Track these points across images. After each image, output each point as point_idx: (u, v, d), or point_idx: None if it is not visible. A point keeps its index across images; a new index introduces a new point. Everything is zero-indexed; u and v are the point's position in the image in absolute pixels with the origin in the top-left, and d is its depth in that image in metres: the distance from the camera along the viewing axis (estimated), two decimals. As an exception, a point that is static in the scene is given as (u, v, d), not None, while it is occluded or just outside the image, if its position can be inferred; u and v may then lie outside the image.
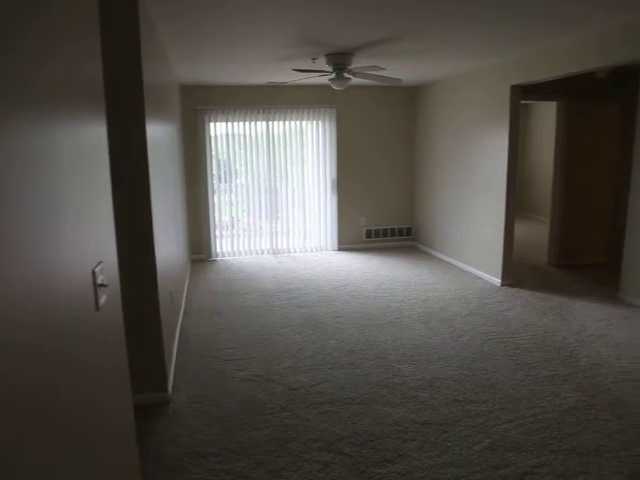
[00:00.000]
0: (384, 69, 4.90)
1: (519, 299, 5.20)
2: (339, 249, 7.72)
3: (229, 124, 7.16)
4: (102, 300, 1.44)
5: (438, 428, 2.92)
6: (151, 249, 3.06)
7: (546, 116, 9.42)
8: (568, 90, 6.12)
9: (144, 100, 2.89)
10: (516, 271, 6.04)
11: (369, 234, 7.86)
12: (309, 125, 7.48)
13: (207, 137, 7.11)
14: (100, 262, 1.45)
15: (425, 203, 7.60)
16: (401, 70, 5.89)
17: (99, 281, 1.41)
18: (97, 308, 1.40)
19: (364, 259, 7.12)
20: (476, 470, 2.55)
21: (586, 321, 4.55)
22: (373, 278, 6.08)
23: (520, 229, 9.13)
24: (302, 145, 7.50)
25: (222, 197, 7.48)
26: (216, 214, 7.38)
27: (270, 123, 7.29)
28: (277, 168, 7.42)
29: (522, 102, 5.60)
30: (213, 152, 7.21)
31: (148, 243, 3.05)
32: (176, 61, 5.18)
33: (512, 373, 3.57)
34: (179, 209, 5.47)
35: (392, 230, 7.94)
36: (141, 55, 2.84)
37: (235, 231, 7.56)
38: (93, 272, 1.38)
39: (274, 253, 7.55)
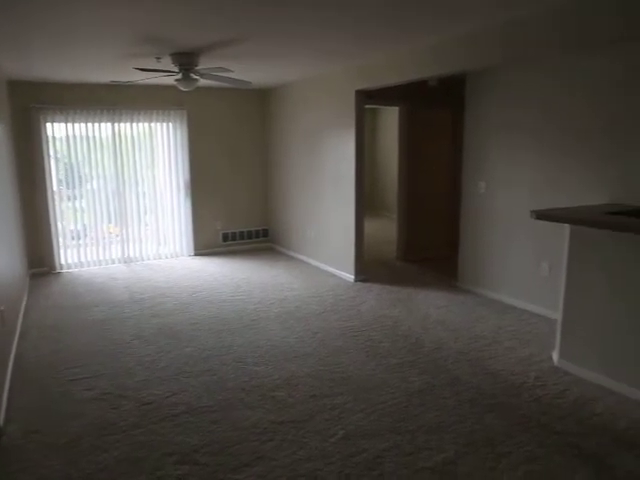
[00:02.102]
0: (232, 71, 4.87)
1: (371, 293, 5.49)
2: (195, 254, 7.52)
3: (70, 125, 6.61)
4: None
5: (295, 425, 2.96)
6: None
7: (392, 120, 10.07)
8: (408, 96, 6.60)
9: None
10: (369, 267, 6.37)
11: (226, 237, 7.77)
12: (159, 127, 7.19)
13: (44, 138, 6.49)
14: None
15: (280, 204, 7.71)
16: (250, 72, 5.90)
17: None
18: None
19: (221, 263, 7.02)
20: (331, 461, 2.63)
21: (429, 309, 4.94)
22: (230, 282, 6.02)
23: (373, 227, 9.65)
24: (152, 148, 7.19)
25: (67, 204, 6.89)
26: (59, 222, 6.77)
27: (117, 125, 6.87)
28: (126, 172, 7.02)
29: (371, 106, 5.91)
30: (52, 155, 6.61)
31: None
32: (1, 55, 4.66)
33: (364, 364, 3.75)
34: (10, 218, 4.92)
35: (249, 232, 7.94)
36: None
37: (82, 240, 7.01)
38: None
39: (126, 262, 7.13)
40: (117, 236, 7.13)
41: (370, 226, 9.56)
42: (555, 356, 3.73)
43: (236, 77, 5.49)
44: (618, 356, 3.31)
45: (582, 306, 3.50)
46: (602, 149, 4.19)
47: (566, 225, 3.49)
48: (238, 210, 7.83)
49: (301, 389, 3.38)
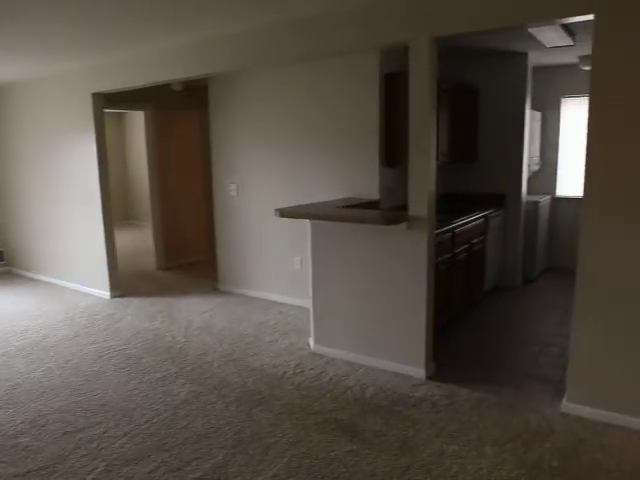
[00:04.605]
0: None
1: (130, 308, 5.17)
2: None
3: None
4: None
5: (45, 472, 2.60)
6: None
7: (141, 124, 9.66)
8: (154, 100, 6.39)
9: None
10: (127, 281, 6.01)
11: (-54, 266, 6.49)
12: None
13: None
14: None
15: (17, 221, 6.73)
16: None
17: None
18: None
19: (-58, 298, 5.84)
20: (90, 500, 2.39)
21: (192, 316, 4.87)
22: (-45, 319, 5.04)
23: (129, 238, 9.17)
24: None
25: None
26: None
27: None
28: None
29: (117, 111, 5.54)
30: None
31: None
32: None
33: (125, 385, 3.50)
34: None
35: (-23, 258, 6.77)
36: None
37: None
38: None
39: None
40: None
41: (126, 237, 9.07)
42: (311, 342, 4.02)
43: None
44: (360, 333, 3.71)
45: (327, 292, 3.83)
46: (338, 149, 4.65)
47: (307, 220, 3.78)
48: (-41, 232, 6.60)
49: (51, 428, 2.99)
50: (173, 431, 2.93)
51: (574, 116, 6.11)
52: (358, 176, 4.56)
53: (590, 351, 2.91)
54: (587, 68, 4.97)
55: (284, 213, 3.63)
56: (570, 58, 5.42)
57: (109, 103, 5.64)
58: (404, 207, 3.43)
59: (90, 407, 3.22)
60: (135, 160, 10.64)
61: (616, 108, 2.65)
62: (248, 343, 4.18)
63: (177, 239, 6.86)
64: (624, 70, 2.60)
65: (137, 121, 10.21)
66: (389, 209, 4.33)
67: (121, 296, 5.57)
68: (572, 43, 4.56)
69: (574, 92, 5.99)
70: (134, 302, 5.38)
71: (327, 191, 4.66)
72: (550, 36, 4.31)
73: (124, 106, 6.62)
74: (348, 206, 3.97)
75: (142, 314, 4.97)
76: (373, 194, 4.47)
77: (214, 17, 3.50)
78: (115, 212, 8.56)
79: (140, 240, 8.88)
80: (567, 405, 3.01)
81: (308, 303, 4.01)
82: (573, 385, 3.00)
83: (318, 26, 3.48)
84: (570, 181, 6.24)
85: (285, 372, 3.63)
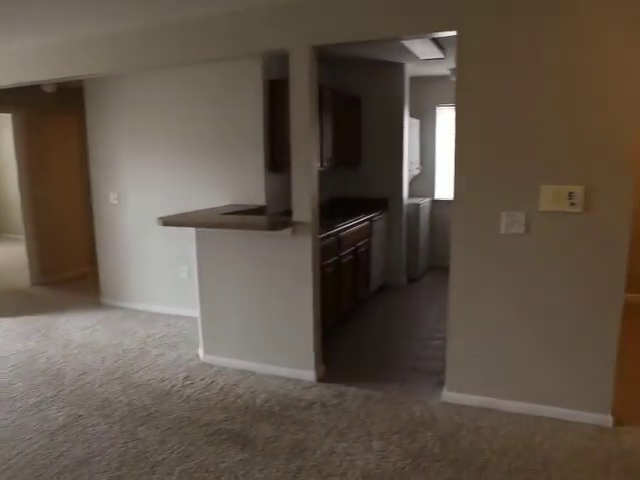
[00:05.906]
0: None
1: (-2, 330, 4.74)
2: None
3: None
4: None
5: None
6: None
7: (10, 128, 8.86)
8: (24, 102, 5.89)
9: None
10: (-5, 299, 5.50)
11: None
12: None
13: None
14: None
15: None
16: None
17: None
18: None
19: None
20: None
21: (72, 333, 4.56)
22: None
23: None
24: None
25: None
26: None
27: None
28: None
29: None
30: None
31: None
32: None
33: (-8, 415, 3.19)
34: None
35: None
36: None
37: None
38: None
39: None
40: None
41: (-6, 252, 8.29)
42: (201, 352, 3.92)
43: None
44: (249, 340, 3.69)
45: (214, 301, 3.76)
46: (225, 155, 4.59)
47: (192, 228, 3.69)
48: None
49: None
50: (49, 461, 2.70)
51: (447, 123, 6.56)
52: (245, 182, 4.53)
53: (463, 343, 3.12)
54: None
55: (167, 222, 3.51)
56: (442, 70, 5.82)
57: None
58: (290, 212, 3.46)
59: (-51, 444, 2.89)
60: (5, 166, 9.75)
61: (474, 118, 2.89)
62: (133, 358, 3.99)
63: (55, 252, 6.38)
64: (480, 83, 2.84)
65: (5, 124, 9.36)
66: (275, 215, 4.35)
67: (-13, 318, 5.08)
68: (443, 56, 4.90)
69: (447, 101, 6.42)
70: (3, 323, 4.91)
71: (214, 197, 4.58)
72: (422, 49, 4.59)
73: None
74: (233, 212, 3.94)
75: (13, 335, 4.56)
76: (260, 200, 4.47)
77: (90, 14, 3.32)
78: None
79: (13, 255, 8.14)
80: (447, 394, 3.21)
81: (196, 313, 3.91)
82: (451, 375, 3.20)
83: (196, 30, 3.43)
84: (446, 184, 6.68)
85: (173, 385, 3.51)
